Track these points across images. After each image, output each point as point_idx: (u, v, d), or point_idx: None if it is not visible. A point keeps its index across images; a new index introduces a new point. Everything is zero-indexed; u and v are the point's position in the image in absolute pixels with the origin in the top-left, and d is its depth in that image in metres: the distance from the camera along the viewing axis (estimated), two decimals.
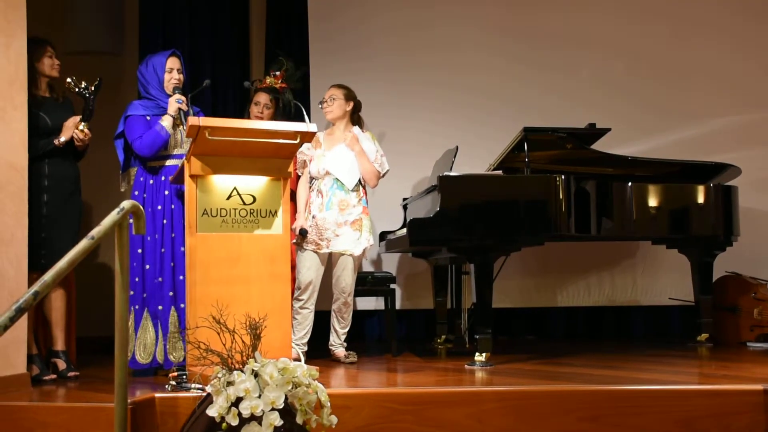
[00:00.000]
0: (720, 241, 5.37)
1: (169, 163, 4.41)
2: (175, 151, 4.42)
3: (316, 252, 4.77)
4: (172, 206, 4.36)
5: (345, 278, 4.84)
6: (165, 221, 4.35)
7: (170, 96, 4.41)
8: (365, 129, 5.10)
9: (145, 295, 4.32)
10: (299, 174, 4.96)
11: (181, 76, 4.49)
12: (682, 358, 4.92)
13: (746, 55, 6.38)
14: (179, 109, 4.33)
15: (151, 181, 4.40)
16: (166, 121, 4.32)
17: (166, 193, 4.37)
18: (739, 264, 5.81)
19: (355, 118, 5.07)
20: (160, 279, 4.32)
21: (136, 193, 4.40)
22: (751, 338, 5.57)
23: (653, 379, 3.83)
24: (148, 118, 4.39)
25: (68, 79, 4.22)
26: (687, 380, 3.87)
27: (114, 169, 4.56)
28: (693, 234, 5.27)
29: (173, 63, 4.47)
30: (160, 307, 4.30)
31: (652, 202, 5.07)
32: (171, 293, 4.30)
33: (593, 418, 3.36)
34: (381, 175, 4.98)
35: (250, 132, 3.82)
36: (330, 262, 4.90)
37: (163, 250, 4.33)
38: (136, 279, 4.32)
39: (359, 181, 4.90)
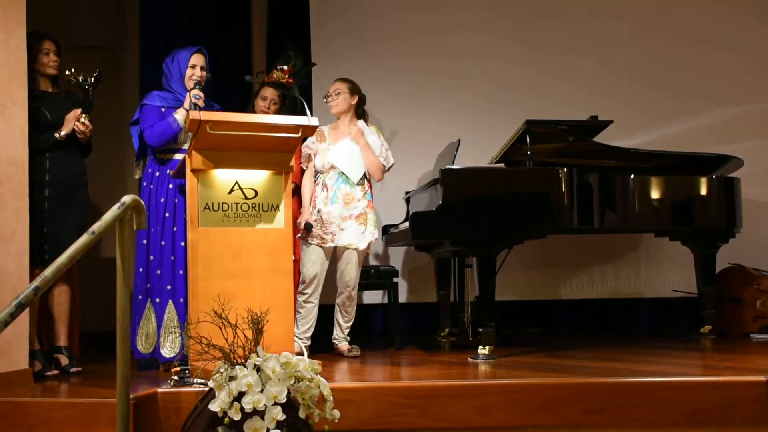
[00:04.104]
0: (723, 232, 5.36)
1: (177, 156, 4.41)
2: (185, 146, 4.41)
3: (321, 246, 4.76)
4: (176, 200, 4.36)
5: (349, 272, 4.83)
6: (167, 214, 4.35)
7: (189, 91, 4.40)
8: (370, 123, 5.08)
9: (148, 285, 4.33)
10: (304, 168, 4.95)
11: (204, 73, 4.47)
12: (685, 350, 4.92)
13: (743, 50, 6.36)
14: (195, 104, 4.27)
15: (158, 173, 4.40)
16: (180, 114, 4.31)
17: (170, 186, 4.37)
18: (741, 255, 5.81)
19: (360, 111, 5.05)
20: (158, 272, 4.32)
21: (144, 184, 4.42)
22: (754, 329, 5.56)
23: (657, 371, 3.82)
24: (163, 109, 4.39)
25: (67, 72, 4.23)
26: (690, 372, 3.87)
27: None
28: (696, 226, 5.26)
29: (197, 59, 4.46)
30: (158, 300, 4.32)
31: (655, 194, 5.06)
32: (169, 287, 4.30)
33: (597, 410, 3.36)
34: (386, 168, 4.97)
35: (252, 126, 3.79)
36: (335, 255, 4.89)
37: (163, 242, 4.33)
38: (140, 269, 4.33)
39: (364, 174, 4.88)
